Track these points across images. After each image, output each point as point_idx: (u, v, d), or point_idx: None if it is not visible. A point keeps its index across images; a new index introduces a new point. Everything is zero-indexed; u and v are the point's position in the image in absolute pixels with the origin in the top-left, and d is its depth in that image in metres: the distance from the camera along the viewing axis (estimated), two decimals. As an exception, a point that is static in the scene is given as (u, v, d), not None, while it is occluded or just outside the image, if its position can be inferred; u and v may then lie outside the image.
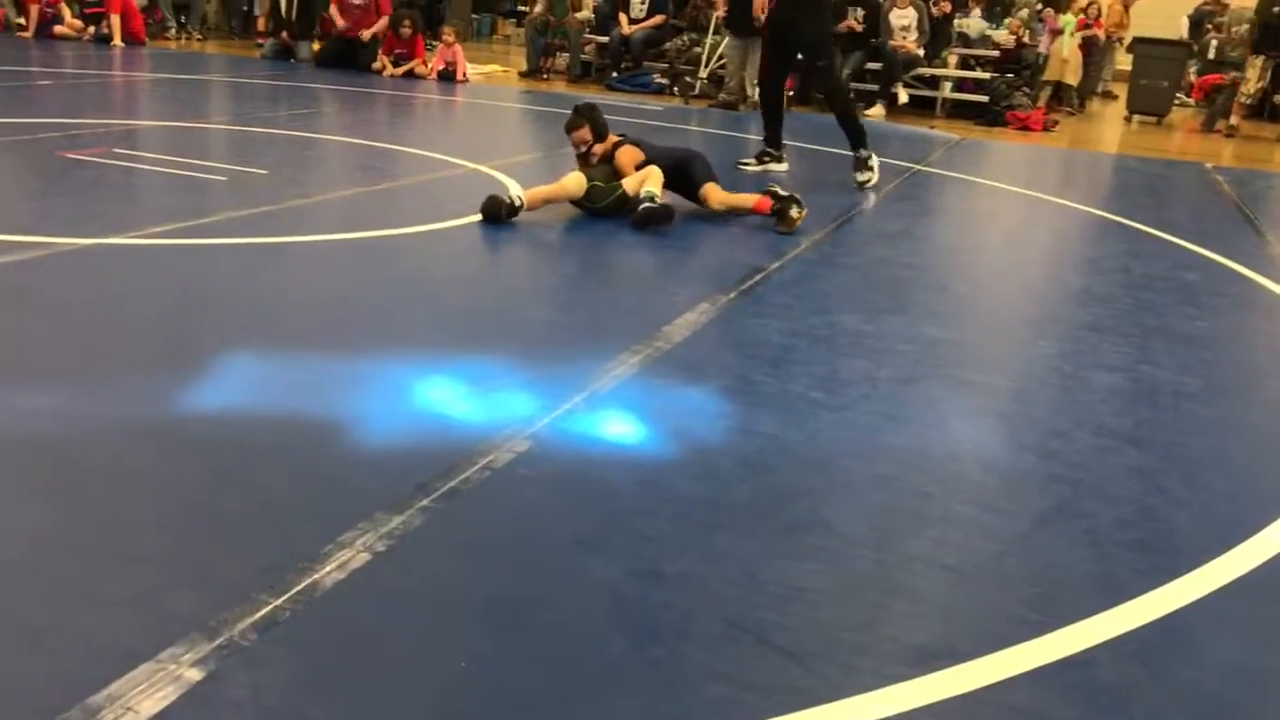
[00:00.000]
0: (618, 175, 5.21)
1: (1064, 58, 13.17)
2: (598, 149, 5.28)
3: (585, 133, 5.27)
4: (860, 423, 2.96)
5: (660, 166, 5.24)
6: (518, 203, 4.91)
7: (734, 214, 5.38)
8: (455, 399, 2.89)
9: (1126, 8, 15.43)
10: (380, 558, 2.06)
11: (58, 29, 12.16)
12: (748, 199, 5.28)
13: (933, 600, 2.12)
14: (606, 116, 5.47)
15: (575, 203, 5.18)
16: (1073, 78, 13.31)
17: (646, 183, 5.09)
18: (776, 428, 2.87)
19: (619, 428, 2.81)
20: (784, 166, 7.20)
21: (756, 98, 11.01)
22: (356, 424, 2.69)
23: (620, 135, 5.45)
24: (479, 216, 4.95)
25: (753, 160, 7.23)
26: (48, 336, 3.13)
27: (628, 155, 5.26)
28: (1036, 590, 2.17)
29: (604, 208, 5.12)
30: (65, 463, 2.37)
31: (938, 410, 3.12)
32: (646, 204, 5.00)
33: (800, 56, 6.96)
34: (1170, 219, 6.68)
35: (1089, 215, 6.78)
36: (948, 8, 12.49)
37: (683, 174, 5.36)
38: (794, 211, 5.09)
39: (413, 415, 2.78)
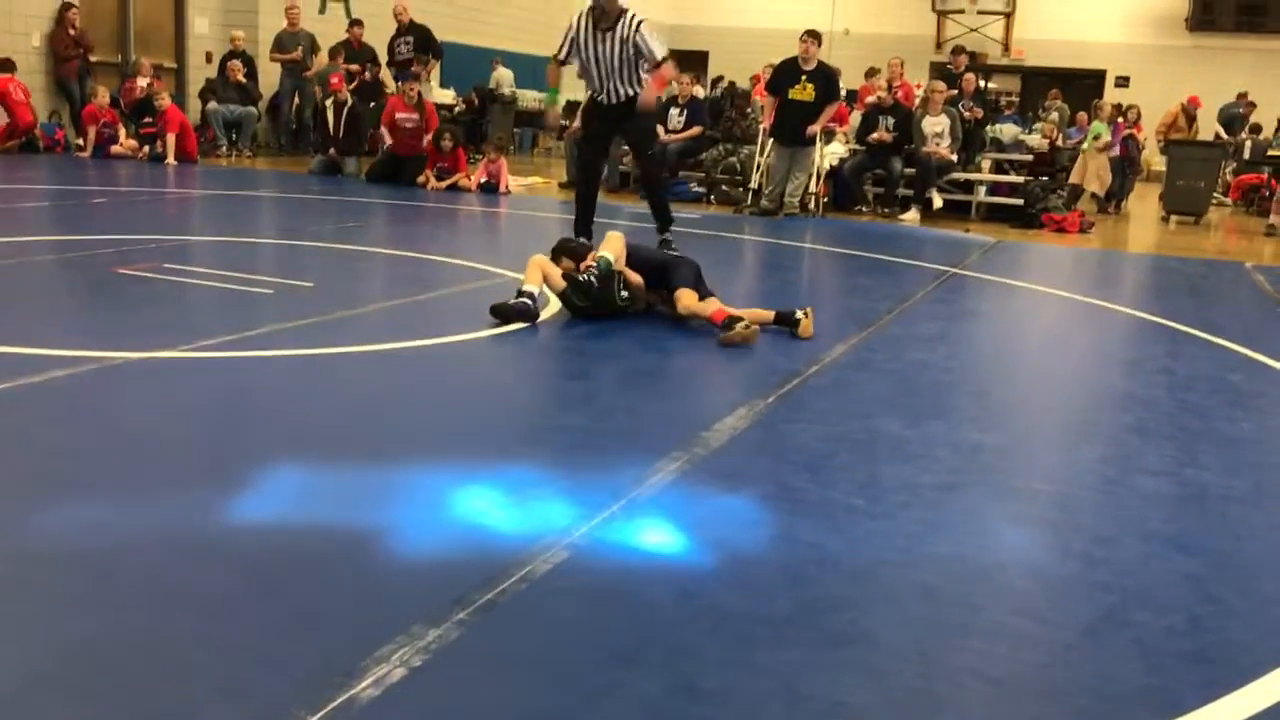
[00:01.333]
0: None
1: (1086, 164, 13.23)
2: (587, 261, 5.40)
3: (570, 264, 5.42)
4: (902, 531, 2.93)
5: (642, 267, 5.40)
6: (530, 304, 5.09)
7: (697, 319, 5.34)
8: (493, 509, 2.90)
9: (1190, 119, 15.48)
10: (416, 673, 2.05)
11: (114, 148, 12.59)
12: (709, 307, 5.22)
13: (978, 715, 2.07)
14: (641, 224, 5.58)
15: (566, 303, 5.37)
16: (1095, 185, 13.32)
17: (605, 248, 5.32)
18: (817, 536, 2.85)
19: (657, 537, 2.80)
20: None
21: (797, 204, 11.22)
22: (394, 535, 2.70)
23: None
24: (519, 325, 5.02)
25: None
26: (93, 450, 3.18)
27: (611, 243, 5.43)
28: (1085, 704, 2.12)
29: (585, 306, 5.28)
30: (106, 576, 2.39)
31: (981, 517, 3.08)
32: (593, 269, 5.21)
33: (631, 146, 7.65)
34: (1212, 319, 6.64)
35: (1129, 317, 6.75)
36: (979, 114, 12.66)
37: (662, 276, 5.41)
38: (740, 325, 4.97)
39: (450, 526, 2.79)
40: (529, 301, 5.13)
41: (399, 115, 12.08)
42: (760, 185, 11.66)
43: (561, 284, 5.29)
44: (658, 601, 2.42)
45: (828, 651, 2.25)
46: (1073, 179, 13.30)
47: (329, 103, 12.77)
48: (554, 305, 5.51)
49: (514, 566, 2.52)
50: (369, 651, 2.10)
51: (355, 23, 14.95)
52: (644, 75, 7.13)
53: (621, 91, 7.21)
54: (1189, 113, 15.69)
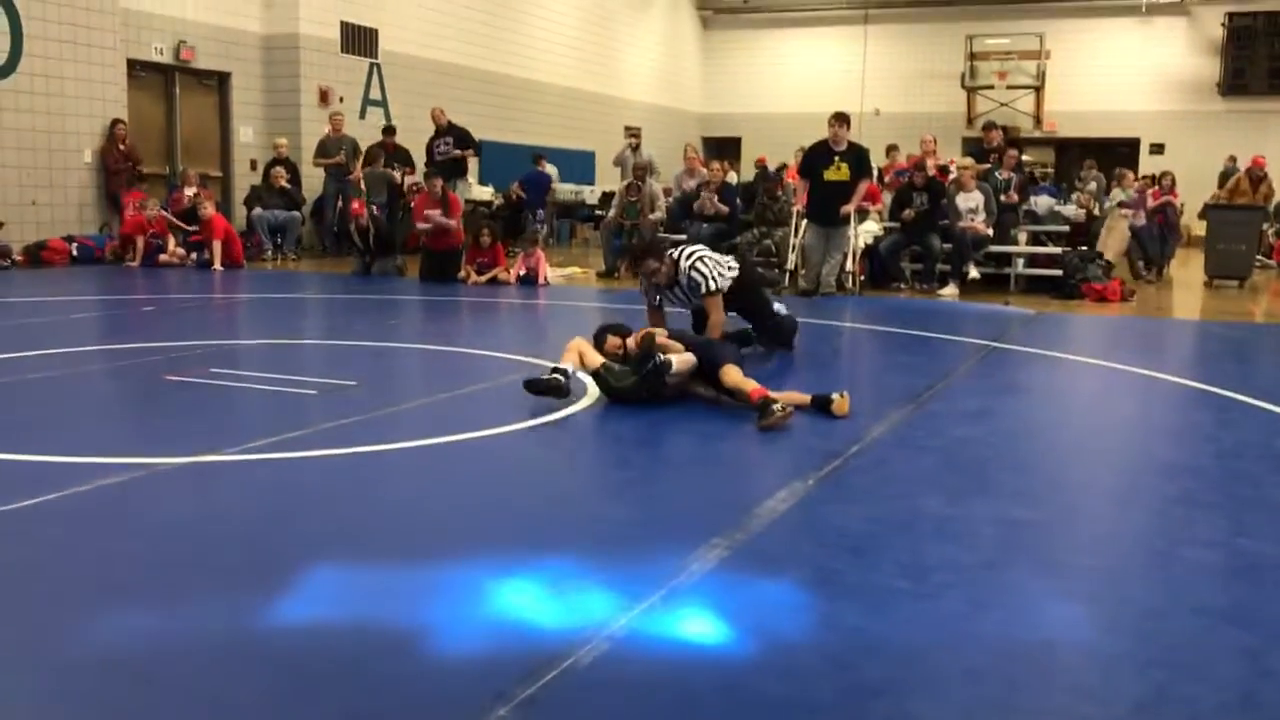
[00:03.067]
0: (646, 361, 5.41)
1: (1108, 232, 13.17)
2: (629, 344, 5.54)
3: (616, 340, 5.57)
4: (946, 611, 2.90)
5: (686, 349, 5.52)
6: (562, 379, 5.23)
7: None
8: (533, 602, 2.91)
9: (1256, 181, 15.35)
10: (458, 771, 2.05)
11: (162, 257, 12.91)
12: (749, 384, 5.26)
13: (1029, 800, 2.03)
14: (679, 311, 5.66)
15: (601, 384, 5.45)
16: (1110, 253, 13.21)
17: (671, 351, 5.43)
18: (860, 620, 2.82)
19: (698, 626, 2.79)
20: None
21: (834, 283, 11.28)
22: (435, 631, 2.71)
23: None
24: (557, 415, 5.07)
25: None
26: (137, 556, 3.23)
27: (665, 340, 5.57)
28: (1140, 786, 2.07)
29: (621, 388, 5.35)
30: (147, 683, 2.42)
31: (1026, 595, 3.04)
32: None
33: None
34: (1259, 384, 6.55)
35: (1173, 384, 6.68)
36: (1015, 198, 12.72)
37: (706, 356, 5.49)
38: (776, 408, 4.97)
39: (491, 620, 2.80)
40: (561, 378, 5.26)
41: (426, 212, 12.29)
42: (796, 266, 11.72)
43: (597, 362, 5.38)
44: (701, 692, 2.41)
45: (872, 738, 2.22)
46: (1098, 247, 13.23)
47: (351, 227, 12.93)
48: (590, 394, 5.55)
49: (555, 660, 2.52)
50: (410, 751, 2.10)
51: (388, 129, 15.33)
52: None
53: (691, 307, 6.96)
54: (1254, 175, 15.56)
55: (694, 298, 6.68)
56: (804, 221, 11.54)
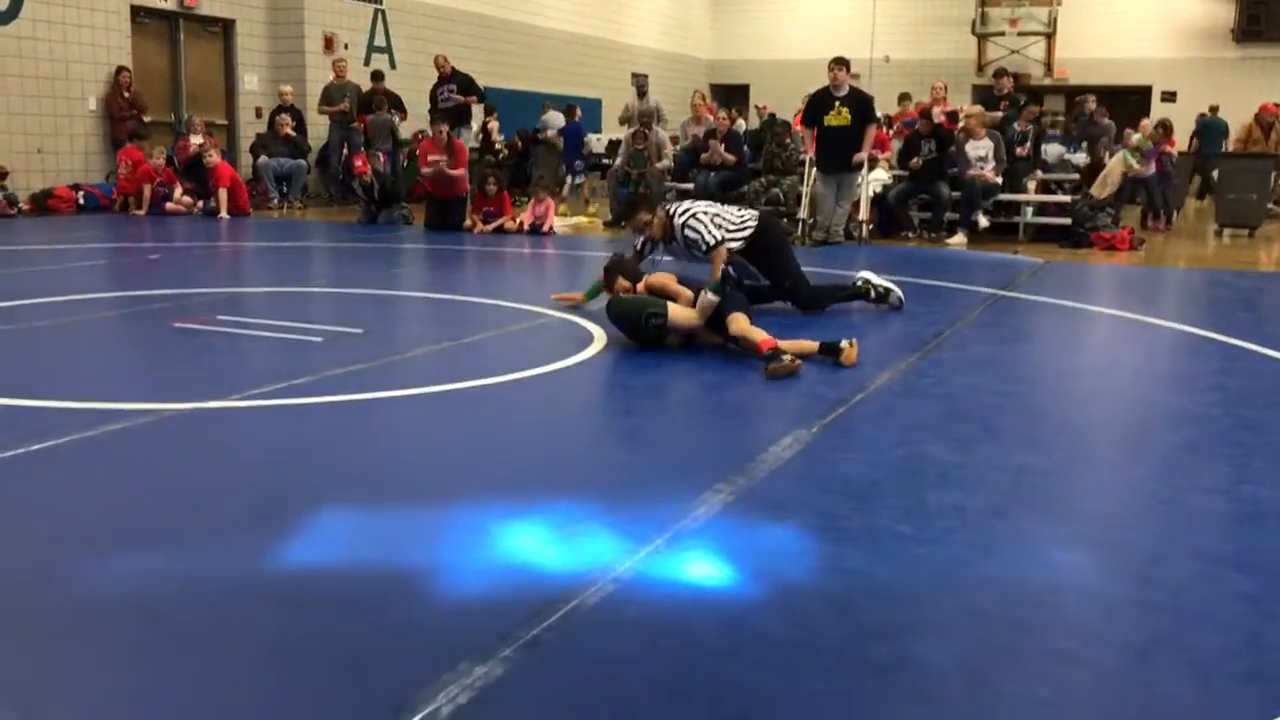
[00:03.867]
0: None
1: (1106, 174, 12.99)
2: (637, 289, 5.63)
3: (625, 284, 5.64)
4: (950, 556, 2.91)
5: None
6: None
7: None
8: (539, 545, 2.92)
9: (1266, 128, 15.09)
10: (463, 710, 2.06)
11: (168, 206, 12.87)
12: (758, 334, 5.23)
13: (1030, 740, 2.05)
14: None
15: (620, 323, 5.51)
16: (1102, 193, 13.04)
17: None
18: (864, 564, 2.83)
19: (703, 569, 2.80)
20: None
21: (842, 232, 11.22)
22: (441, 574, 2.73)
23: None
24: (564, 363, 5.07)
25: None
26: (147, 500, 3.25)
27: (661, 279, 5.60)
28: (1140, 727, 2.09)
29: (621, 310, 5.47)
30: (161, 624, 2.44)
31: (1030, 541, 3.05)
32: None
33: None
34: (1269, 332, 6.52)
35: (1182, 333, 6.65)
36: (1027, 152, 12.59)
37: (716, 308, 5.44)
38: (785, 358, 4.98)
39: (496, 563, 2.81)
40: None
41: (431, 158, 12.21)
42: (808, 216, 11.62)
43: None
44: (704, 634, 2.43)
45: (875, 679, 2.24)
46: (1092, 189, 13.06)
47: (355, 184, 12.83)
48: (598, 342, 5.55)
49: (560, 602, 2.53)
50: (416, 690, 2.12)
51: (376, 75, 15.20)
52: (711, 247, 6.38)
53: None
54: (1264, 122, 15.34)
55: (696, 254, 6.44)
56: (813, 170, 11.46)
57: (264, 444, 3.88)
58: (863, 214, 11.58)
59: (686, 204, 6.65)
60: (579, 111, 18.29)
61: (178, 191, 13.03)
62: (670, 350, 5.38)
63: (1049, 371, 5.67)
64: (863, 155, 11.15)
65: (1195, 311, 8.02)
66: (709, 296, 5.36)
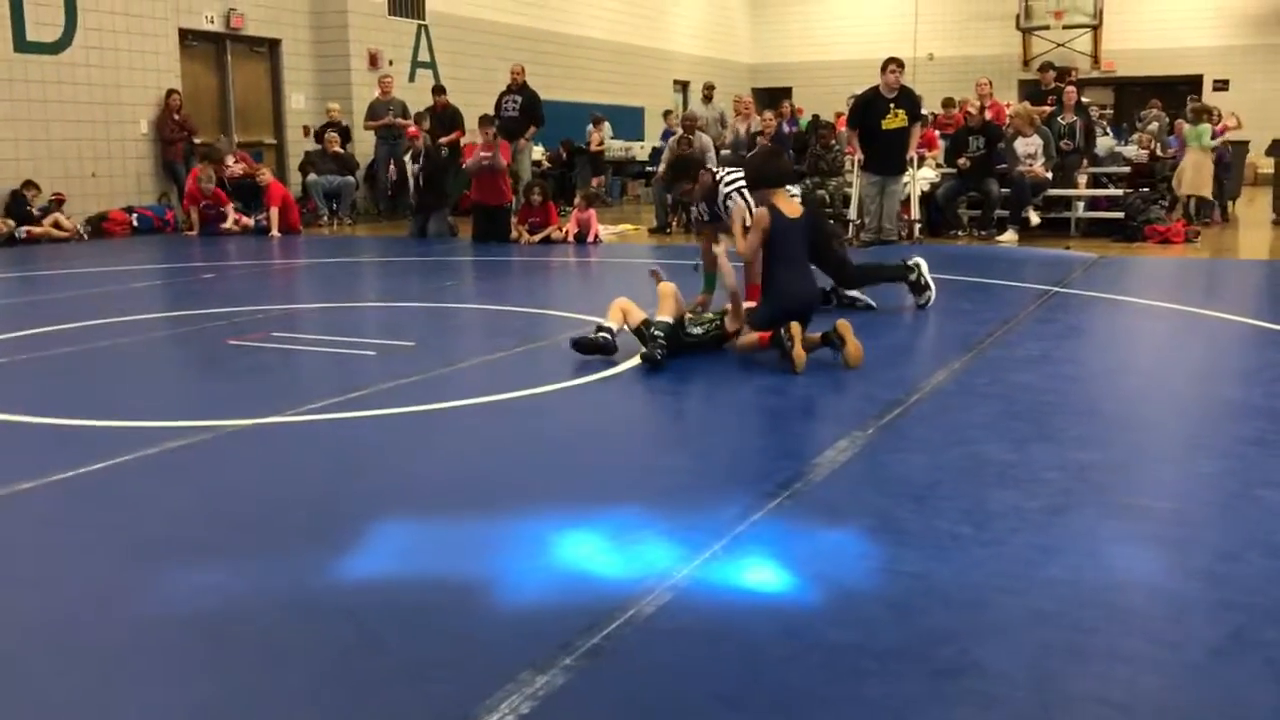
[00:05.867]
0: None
1: (1192, 171, 12.76)
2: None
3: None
4: (1012, 556, 2.86)
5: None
6: (609, 337, 5.30)
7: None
8: (596, 553, 2.91)
9: None
10: (525, 720, 2.06)
11: (222, 226, 13.05)
12: (753, 337, 5.30)
13: (1101, 743, 2.00)
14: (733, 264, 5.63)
15: (641, 337, 5.44)
16: (1206, 189, 12.87)
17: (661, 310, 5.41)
18: (923, 566, 2.80)
19: (761, 574, 2.78)
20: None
21: (894, 232, 11.14)
22: (499, 584, 2.73)
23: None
24: (614, 370, 5.07)
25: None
26: (206, 516, 3.28)
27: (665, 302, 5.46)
28: (1215, 728, 2.04)
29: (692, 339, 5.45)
30: (222, 638, 2.46)
31: (1094, 539, 2.99)
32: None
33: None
34: (1333, 322, 6.37)
35: (1242, 325, 6.52)
36: (1073, 145, 12.42)
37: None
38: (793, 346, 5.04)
39: (554, 572, 2.81)
40: (608, 335, 5.33)
41: (478, 154, 12.29)
42: (860, 217, 11.52)
43: (639, 318, 5.40)
44: (763, 640, 2.40)
45: (938, 683, 2.20)
46: (1187, 190, 12.85)
47: (407, 157, 13.02)
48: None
49: (618, 610, 2.52)
50: (478, 701, 2.12)
51: (438, 89, 15.28)
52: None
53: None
54: None
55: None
56: (860, 172, 11.34)
57: (321, 458, 3.91)
58: (913, 213, 11.49)
59: (739, 173, 6.42)
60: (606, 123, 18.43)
61: (230, 213, 13.18)
62: (715, 356, 5.36)
63: (1105, 367, 5.58)
64: (912, 153, 11.08)
65: (1255, 303, 7.87)
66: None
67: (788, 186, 5.75)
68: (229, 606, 2.61)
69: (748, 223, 5.83)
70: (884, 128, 10.88)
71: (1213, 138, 12.94)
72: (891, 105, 10.88)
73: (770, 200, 5.47)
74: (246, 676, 2.29)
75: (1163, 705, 2.13)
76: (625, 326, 5.45)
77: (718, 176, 6.43)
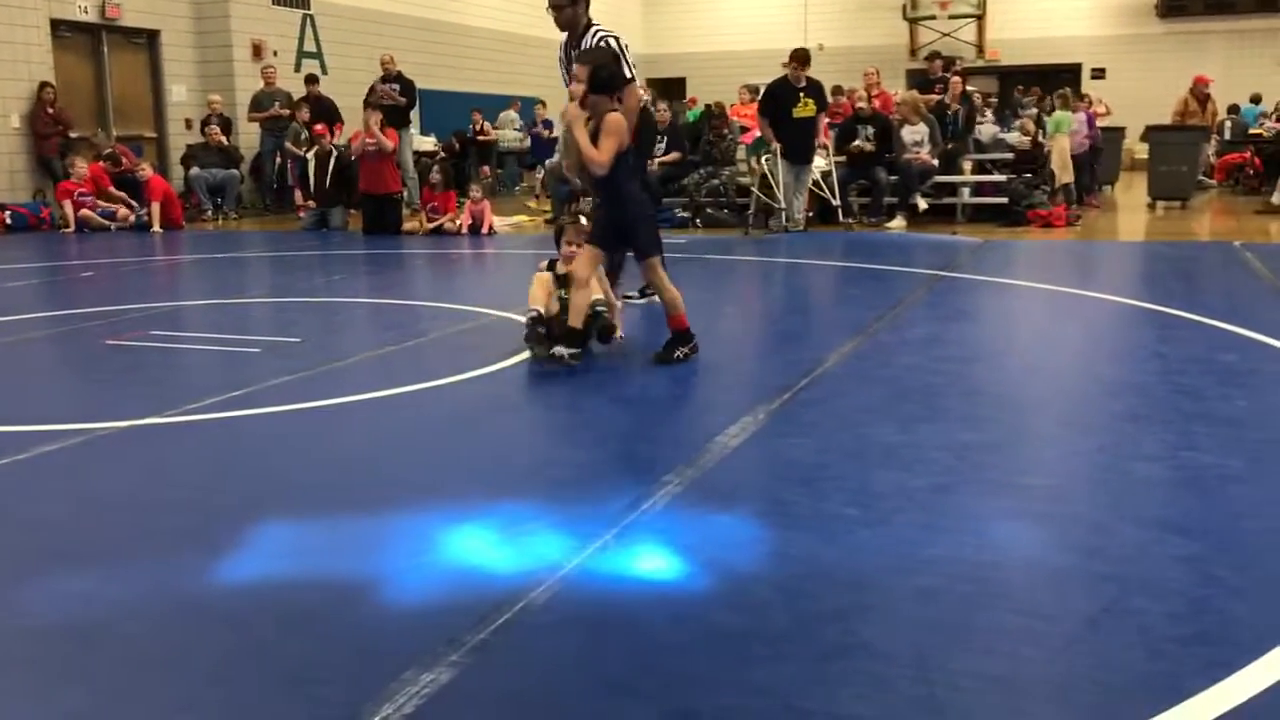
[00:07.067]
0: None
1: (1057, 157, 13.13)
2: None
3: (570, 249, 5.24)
4: (897, 536, 2.90)
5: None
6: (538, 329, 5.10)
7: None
8: (485, 548, 2.88)
9: (1202, 100, 15.19)
10: (410, 719, 2.02)
11: (82, 214, 12.52)
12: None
13: (981, 718, 2.04)
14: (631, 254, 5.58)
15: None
16: (1068, 175, 13.23)
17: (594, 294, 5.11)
18: (811, 549, 2.82)
19: (650, 562, 2.78)
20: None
21: (795, 223, 11.28)
22: (385, 582, 2.68)
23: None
24: (508, 361, 5.02)
25: (635, 293, 6.72)
26: (80, 521, 3.17)
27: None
28: (1090, 697, 2.09)
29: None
30: (95, 646, 2.37)
31: (976, 517, 3.06)
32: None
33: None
34: (1203, 301, 6.63)
35: (1119, 305, 6.74)
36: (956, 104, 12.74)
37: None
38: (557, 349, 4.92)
39: (442, 568, 2.77)
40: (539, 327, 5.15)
41: (363, 140, 12.12)
42: (787, 205, 11.60)
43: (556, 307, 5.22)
44: (652, 627, 2.40)
45: (825, 664, 2.23)
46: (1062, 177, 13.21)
47: (311, 154, 12.78)
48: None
49: (506, 604, 2.49)
50: (363, 702, 2.08)
51: (311, 79, 14.92)
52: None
53: None
54: (1199, 94, 15.50)
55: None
56: (778, 160, 11.41)
57: (200, 459, 3.80)
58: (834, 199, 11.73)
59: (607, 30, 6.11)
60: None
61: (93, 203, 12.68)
62: (611, 348, 5.34)
63: (990, 349, 5.72)
64: (823, 140, 11.37)
65: (1132, 284, 8.14)
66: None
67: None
68: (101, 614, 2.52)
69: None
70: (795, 116, 11.10)
71: (1090, 124, 13.34)
72: (801, 94, 11.11)
73: (610, 108, 5.00)
74: (120, 685, 2.21)
75: (1041, 676, 2.18)
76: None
77: (593, 29, 6.04)
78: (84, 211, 12.53)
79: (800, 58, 11.15)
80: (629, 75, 5.85)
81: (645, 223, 5.18)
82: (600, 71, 4.93)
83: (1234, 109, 18.78)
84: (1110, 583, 2.59)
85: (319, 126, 13.01)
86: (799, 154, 11.30)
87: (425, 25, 19.12)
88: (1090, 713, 2.04)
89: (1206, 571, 2.64)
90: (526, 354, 5.17)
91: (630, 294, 6.66)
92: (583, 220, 5.28)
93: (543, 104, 18.87)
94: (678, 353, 5.00)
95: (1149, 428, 3.92)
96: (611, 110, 4.94)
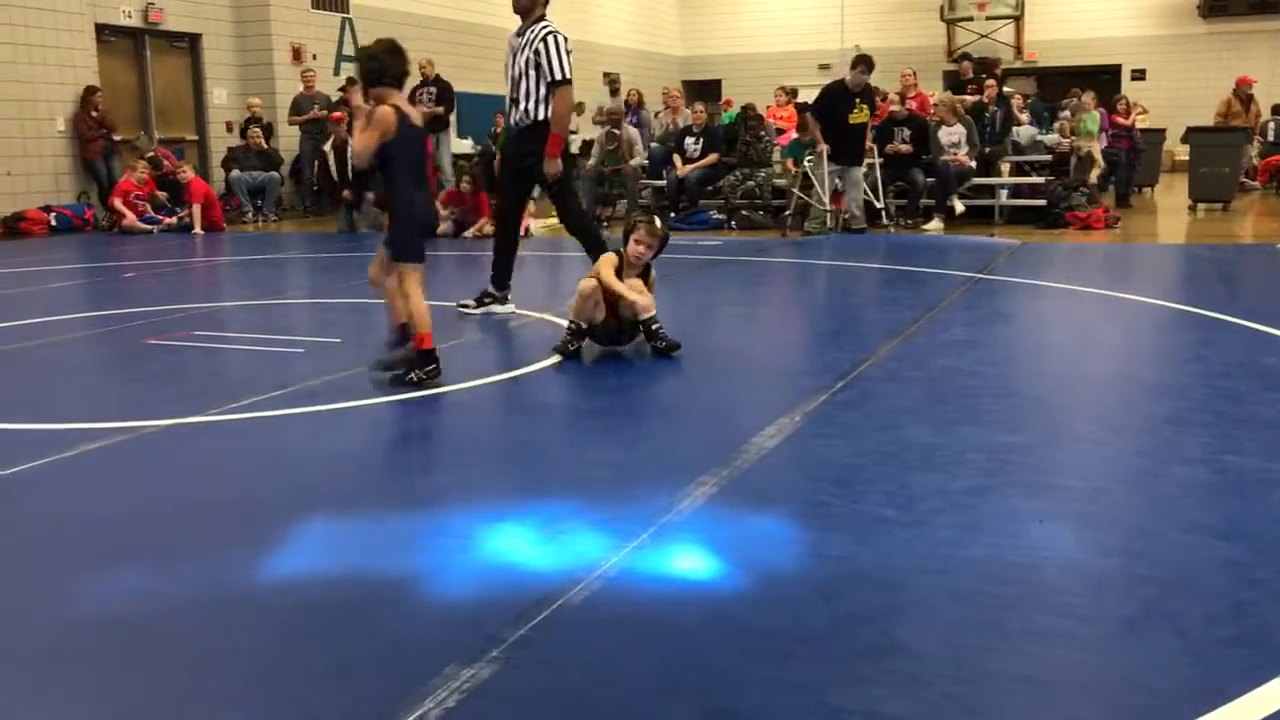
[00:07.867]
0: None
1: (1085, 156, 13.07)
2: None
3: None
4: (934, 538, 2.90)
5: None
6: (573, 343, 5.13)
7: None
8: (524, 546, 2.91)
9: (1245, 101, 15.06)
10: (450, 714, 2.05)
11: (127, 222, 12.70)
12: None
13: (1018, 717, 2.04)
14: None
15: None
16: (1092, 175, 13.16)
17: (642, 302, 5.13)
18: (848, 549, 2.83)
19: (688, 562, 2.79)
20: (509, 308, 6.62)
21: (856, 220, 11.33)
22: (427, 579, 2.71)
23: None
24: (546, 362, 5.06)
25: (472, 302, 6.68)
26: (129, 517, 3.22)
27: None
28: (1129, 699, 2.09)
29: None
30: (144, 640, 2.42)
31: (1014, 519, 3.05)
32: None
33: (539, 186, 6.55)
34: (1244, 304, 6.56)
35: (1159, 308, 6.68)
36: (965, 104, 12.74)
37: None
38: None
39: (482, 566, 2.80)
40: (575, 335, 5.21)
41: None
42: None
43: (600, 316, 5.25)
44: (690, 626, 2.42)
45: (861, 663, 2.23)
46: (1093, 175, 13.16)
47: (329, 146, 12.82)
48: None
49: (546, 601, 2.52)
50: (404, 696, 2.11)
51: (349, 81, 15.00)
52: (543, 100, 6.20)
53: (522, 107, 6.27)
54: (1241, 95, 15.29)
55: (533, 74, 6.08)
56: (827, 162, 11.43)
57: (243, 457, 3.85)
58: (851, 204, 11.68)
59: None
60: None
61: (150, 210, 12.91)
62: (641, 349, 5.35)
63: (1027, 351, 5.69)
64: (870, 144, 11.64)
65: (1172, 286, 8.06)
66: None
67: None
68: (151, 609, 2.57)
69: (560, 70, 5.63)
70: (850, 122, 11.30)
71: (1112, 125, 13.25)
72: (857, 100, 11.31)
73: (393, 101, 4.75)
74: (170, 680, 2.25)
75: (1079, 679, 2.18)
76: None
77: (542, 25, 6.14)
78: (130, 218, 12.70)
79: (869, 63, 11.34)
80: (562, 77, 5.93)
81: (404, 223, 4.95)
82: (370, 63, 4.83)
83: (1277, 110, 18.53)
84: (1149, 585, 2.58)
85: (336, 114, 13.05)
86: (850, 156, 11.45)
87: (463, 28, 19.25)
88: (1130, 714, 2.04)
89: (1248, 575, 2.63)
90: (558, 357, 5.20)
91: (466, 303, 6.64)
92: (656, 221, 5.29)
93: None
94: (412, 374, 4.69)
95: (1190, 431, 3.89)
96: (386, 105, 4.72)
